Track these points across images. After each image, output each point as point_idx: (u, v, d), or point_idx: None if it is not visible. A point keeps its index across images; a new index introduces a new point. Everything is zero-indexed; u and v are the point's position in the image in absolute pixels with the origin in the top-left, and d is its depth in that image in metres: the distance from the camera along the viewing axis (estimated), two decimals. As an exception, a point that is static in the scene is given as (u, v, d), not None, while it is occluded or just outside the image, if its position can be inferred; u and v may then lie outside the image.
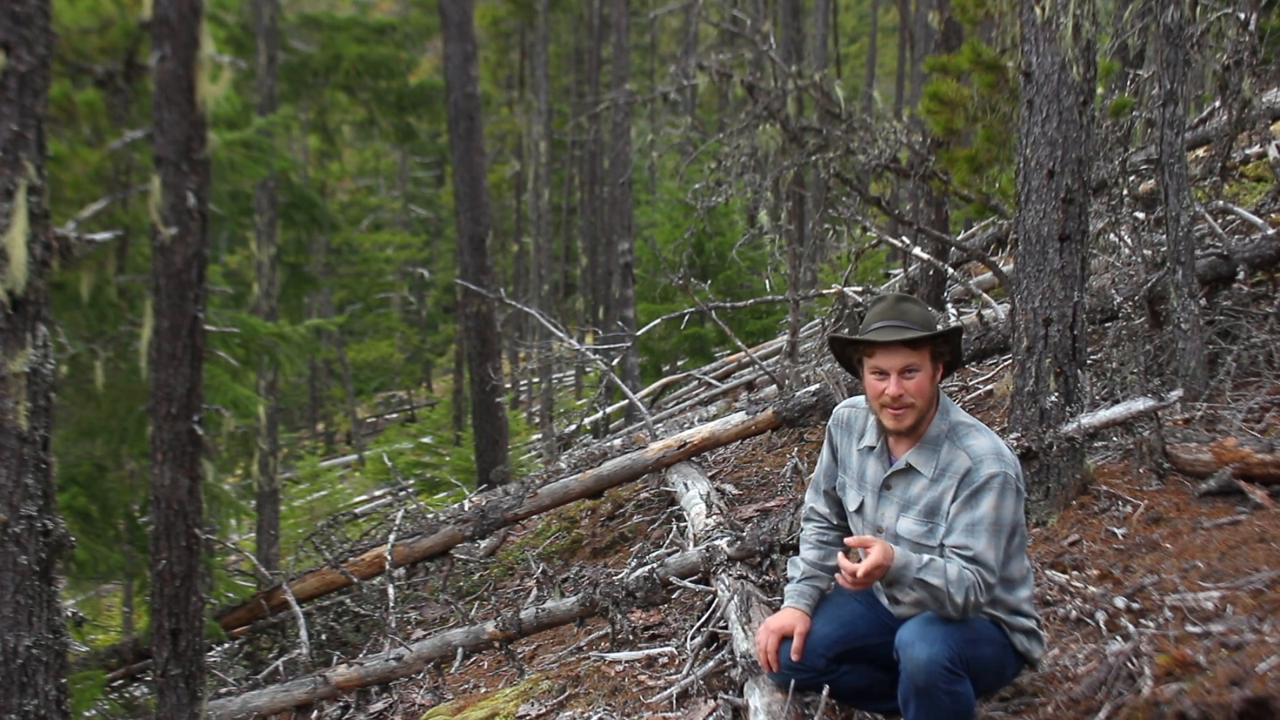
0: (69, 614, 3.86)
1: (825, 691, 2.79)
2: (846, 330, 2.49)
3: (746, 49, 7.25)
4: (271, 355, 5.64)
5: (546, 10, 20.20)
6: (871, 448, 2.71)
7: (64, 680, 3.19)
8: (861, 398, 2.79)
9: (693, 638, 3.80)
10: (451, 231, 23.82)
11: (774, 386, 7.18)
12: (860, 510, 2.74)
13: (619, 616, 4.09)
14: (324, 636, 5.55)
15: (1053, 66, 3.89)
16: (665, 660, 3.84)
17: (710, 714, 3.29)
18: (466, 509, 5.76)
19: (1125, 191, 5.93)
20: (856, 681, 2.78)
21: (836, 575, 2.48)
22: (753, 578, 3.85)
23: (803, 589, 2.83)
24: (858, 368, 2.68)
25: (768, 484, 5.63)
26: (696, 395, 10.72)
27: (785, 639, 2.76)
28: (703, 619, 3.87)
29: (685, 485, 5.25)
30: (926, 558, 2.46)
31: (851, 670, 2.75)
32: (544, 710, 3.66)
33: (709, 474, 5.77)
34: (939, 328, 2.60)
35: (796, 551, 3.03)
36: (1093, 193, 4.89)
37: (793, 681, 2.80)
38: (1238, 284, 5.27)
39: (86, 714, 4.82)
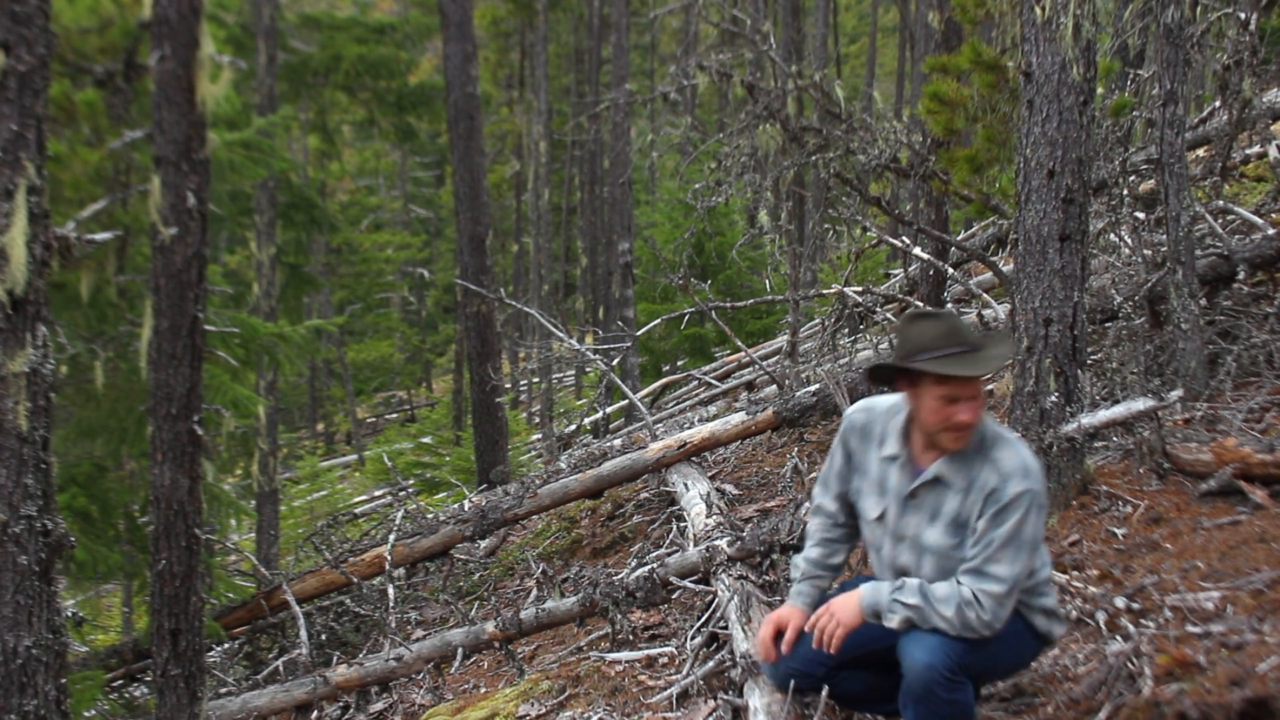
0: (69, 614, 3.86)
1: (825, 692, 2.79)
2: (911, 358, 2.40)
3: (746, 49, 7.25)
4: (271, 355, 5.64)
5: (546, 10, 20.20)
6: (894, 457, 2.64)
7: (64, 680, 3.18)
8: (877, 401, 2.74)
9: (693, 638, 3.80)
10: (451, 231, 23.82)
11: (774, 386, 7.19)
12: (881, 519, 2.69)
13: (619, 616, 4.09)
14: (324, 636, 5.55)
15: (1053, 66, 3.89)
16: (665, 660, 3.84)
17: (710, 714, 3.29)
18: (466, 509, 5.76)
19: (1125, 191, 5.93)
20: (856, 688, 2.78)
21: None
22: (753, 578, 3.85)
23: (802, 589, 2.84)
24: (906, 388, 2.57)
25: (768, 484, 5.63)
26: (696, 395, 10.73)
27: (782, 633, 2.77)
28: (703, 619, 3.87)
29: (685, 485, 5.25)
30: (900, 581, 2.55)
31: (851, 676, 2.75)
32: (544, 710, 3.66)
33: (709, 474, 5.77)
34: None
35: (799, 550, 3.03)
36: (1093, 193, 4.89)
37: (792, 684, 2.81)
38: (1238, 284, 5.27)
39: (86, 714, 4.82)
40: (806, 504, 4.07)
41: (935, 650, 2.43)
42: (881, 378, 2.67)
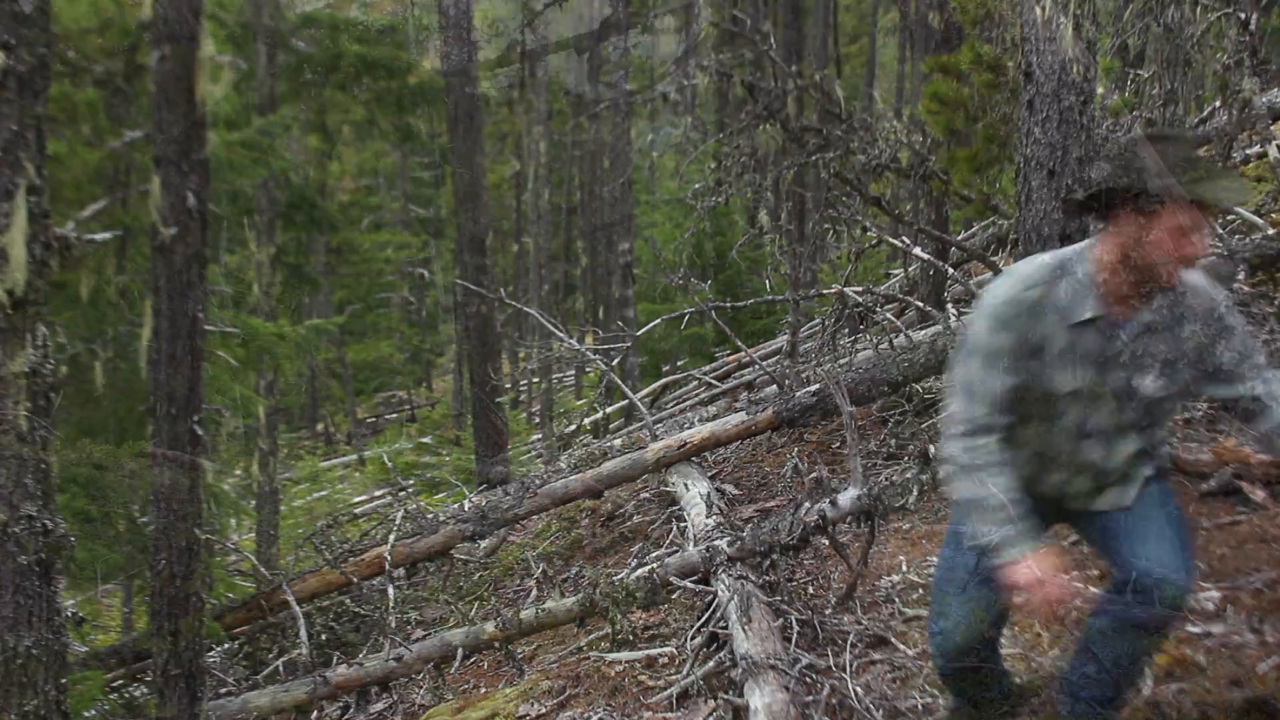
0: (69, 614, 3.86)
1: (825, 692, 2.77)
2: (1167, 180, 1.98)
3: (746, 49, 7.24)
4: (271, 355, 5.64)
5: (546, 9, 20.19)
6: (1093, 319, 2.29)
7: (64, 680, 3.18)
8: (1025, 274, 2.34)
9: (693, 638, 3.80)
10: (451, 231, 23.83)
11: (774, 386, 7.19)
12: (1076, 391, 2.34)
13: (618, 616, 4.09)
14: (324, 636, 5.54)
15: (1053, 66, 3.90)
16: (665, 660, 3.84)
17: (710, 714, 3.28)
18: (466, 509, 5.76)
19: (1125, 191, 5.91)
20: None
21: None
22: (753, 578, 3.85)
23: (1030, 528, 2.32)
24: (1128, 219, 2.21)
25: (768, 484, 5.62)
26: (697, 395, 10.71)
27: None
28: (702, 619, 3.86)
29: (685, 485, 5.25)
30: None
31: None
32: (544, 710, 3.66)
33: (709, 474, 5.77)
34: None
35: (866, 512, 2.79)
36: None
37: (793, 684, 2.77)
38: (1238, 284, 5.26)
39: (86, 714, 4.81)
40: (806, 504, 4.06)
41: (1190, 567, 2.29)
42: (1092, 207, 2.31)
